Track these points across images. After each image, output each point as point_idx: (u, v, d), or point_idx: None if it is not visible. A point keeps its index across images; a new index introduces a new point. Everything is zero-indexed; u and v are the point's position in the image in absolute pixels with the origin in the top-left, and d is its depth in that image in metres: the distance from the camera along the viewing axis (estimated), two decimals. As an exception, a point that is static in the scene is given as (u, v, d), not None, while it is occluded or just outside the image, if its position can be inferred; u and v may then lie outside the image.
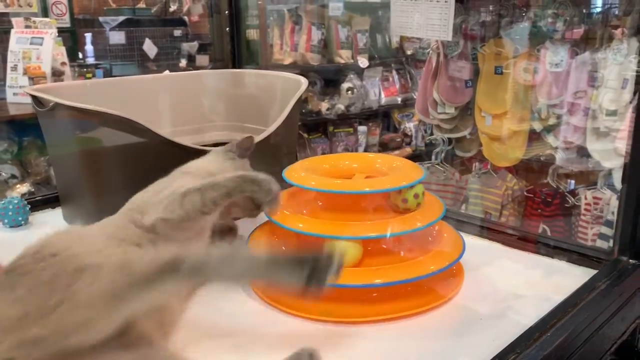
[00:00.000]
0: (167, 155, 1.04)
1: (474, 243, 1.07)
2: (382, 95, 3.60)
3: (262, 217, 0.92)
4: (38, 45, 2.54)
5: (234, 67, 1.74)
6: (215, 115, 1.43)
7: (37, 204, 1.24)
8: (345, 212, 0.87)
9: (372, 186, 0.87)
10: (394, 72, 3.64)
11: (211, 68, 3.27)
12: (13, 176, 2.51)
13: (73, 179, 1.12)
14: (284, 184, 0.88)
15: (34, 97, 1.05)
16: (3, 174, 2.49)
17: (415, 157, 3.67)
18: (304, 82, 1.17)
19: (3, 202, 1.16)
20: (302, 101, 1.24)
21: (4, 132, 2.51)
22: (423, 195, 0.91)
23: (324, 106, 3.27)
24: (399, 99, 3.66)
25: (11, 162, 2.52)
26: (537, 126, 1.97)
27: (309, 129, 3.36)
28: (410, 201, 0.91)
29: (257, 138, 1.14)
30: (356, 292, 0.82)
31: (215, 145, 1.14)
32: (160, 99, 1.39)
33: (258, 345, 0.76)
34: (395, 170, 0.94)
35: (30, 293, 0.60)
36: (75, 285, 0.59)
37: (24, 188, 2.48)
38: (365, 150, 3.62)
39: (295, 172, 0.90)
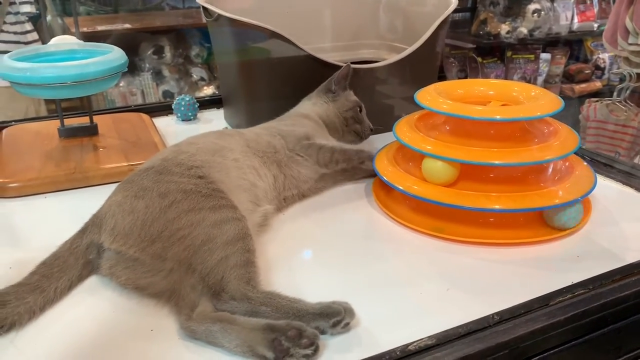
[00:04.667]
0: (311, 69, 1.11)
1: (611, 185, 1.00)
2: (576, 19, 3.24)
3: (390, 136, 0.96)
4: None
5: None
6: (369, 32, 1.45)
7: (206, 103, 1.41)
8: (473, 138, 0.86)
9: (503, 114, 0.84)
10: (593, -6, 3.23)
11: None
12: (202, 78, 2.81)
13: (230, 84, 1.24)
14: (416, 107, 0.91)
15: (204, 8, 1.17)
16: (194, 75, 2.81)
17: (602, 93, 3.31)
18: (453, 3, 1.13)
19: (177, 99, 1.34)
20: (448, 23, 1.19)
21: (196, 37, 2.80)
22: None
23: (503, 29, 3.05)
24: (595, 25, 3.26)
25: (201, 66, 2.82)
26: None
27: (484, 53, 3.18)
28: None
29: (394, 58, 1.15)
30: (476, 215, 0.85)
31: (364, 62, 1.18)
32: (321, 14, 1.44)
33: (371, 250, 0.83)
34: (532, 100, 0.90)
35: None
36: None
37: (209, 90, 2.78)
38: (546, 81, 3.34)
39: (427, 95, 0.90)
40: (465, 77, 3.29)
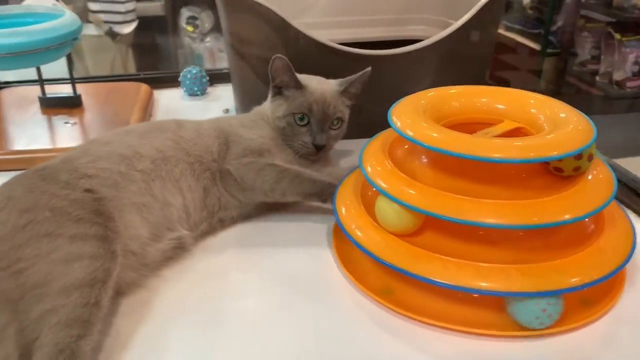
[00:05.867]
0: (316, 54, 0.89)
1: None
2: None
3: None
4: None
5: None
6: (420, 5, 1.17)
7: (217, 77, 1.24)
8: (459, 177, 0.61)
9: (505, 151, 0.56)
10: None
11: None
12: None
13: (232, 60, 1.06)
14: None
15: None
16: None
17: None
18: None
19: (184, 70, 1.19)
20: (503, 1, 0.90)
21: None
22: (589, 161, 0.60)
23: (654, 0, 2.50)
24: None
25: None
26: None
27: (624, 28, 2.64)
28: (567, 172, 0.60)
29: (431, 40, 0.89)
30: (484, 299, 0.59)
31: (409, 42, 0.92)
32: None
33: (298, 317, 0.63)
34: (554, 124, 0.61)
35: None
36: None
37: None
38: None
39: (405, 109, 0.65)
40: (599, 57, 2.78)
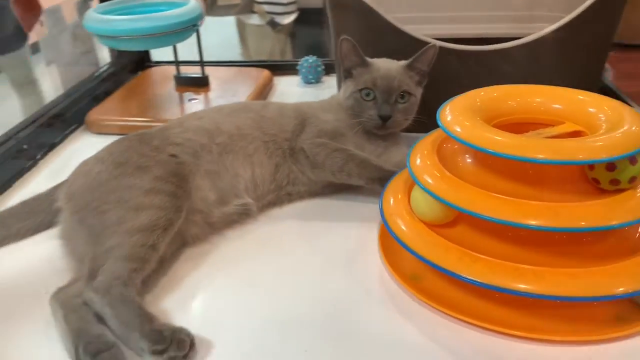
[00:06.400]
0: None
1: None
2: None
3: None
4: None
5: None
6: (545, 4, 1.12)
7: (333, 67, 1.30)
8: (503, 178, 0.61)
9: (550, 152, 0.54)
10: None
11: None
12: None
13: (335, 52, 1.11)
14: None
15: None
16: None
17: None
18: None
19: (302, 60, 1.28)
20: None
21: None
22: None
23: None
24: None
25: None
26: None
27: None
28: (623, 183, 0.57)
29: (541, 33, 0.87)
30: (506, 298, 0.58)
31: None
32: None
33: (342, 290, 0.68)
34: (614, 125, 0.58)
35: None
36: None
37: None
38: None
39: (455, 108, 0.65)
40: None
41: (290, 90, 1.26)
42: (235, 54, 2.39)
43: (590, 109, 0.62)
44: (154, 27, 0.95)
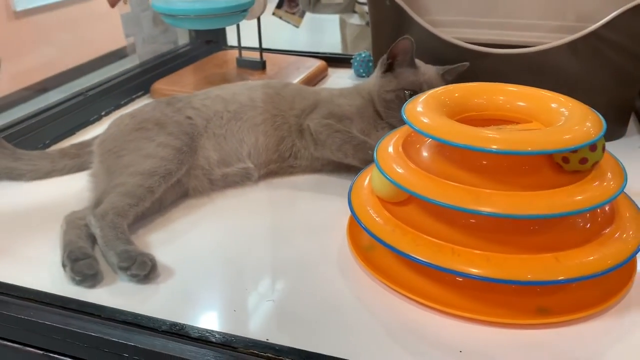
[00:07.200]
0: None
1: None
2: None
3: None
4: None
5: None
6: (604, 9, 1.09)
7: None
8: (460, 169, 0.63)
9: (504, 143, 0.57)
10: None
11: None
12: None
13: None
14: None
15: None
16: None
17: None
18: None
19: (355, 54, 1.34)
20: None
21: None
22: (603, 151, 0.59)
23: None
24: None
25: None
26: None
27: None
28: (573, 164, 0.59)
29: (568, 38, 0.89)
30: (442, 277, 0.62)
31: None
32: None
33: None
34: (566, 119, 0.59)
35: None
36: None
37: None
38: None
39: (419, 105, 0.66)
40: None
41: (341, 81, 1.33)
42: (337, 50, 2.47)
43: (553, 105, 0.63)
44: (206, 9, 1.07)
